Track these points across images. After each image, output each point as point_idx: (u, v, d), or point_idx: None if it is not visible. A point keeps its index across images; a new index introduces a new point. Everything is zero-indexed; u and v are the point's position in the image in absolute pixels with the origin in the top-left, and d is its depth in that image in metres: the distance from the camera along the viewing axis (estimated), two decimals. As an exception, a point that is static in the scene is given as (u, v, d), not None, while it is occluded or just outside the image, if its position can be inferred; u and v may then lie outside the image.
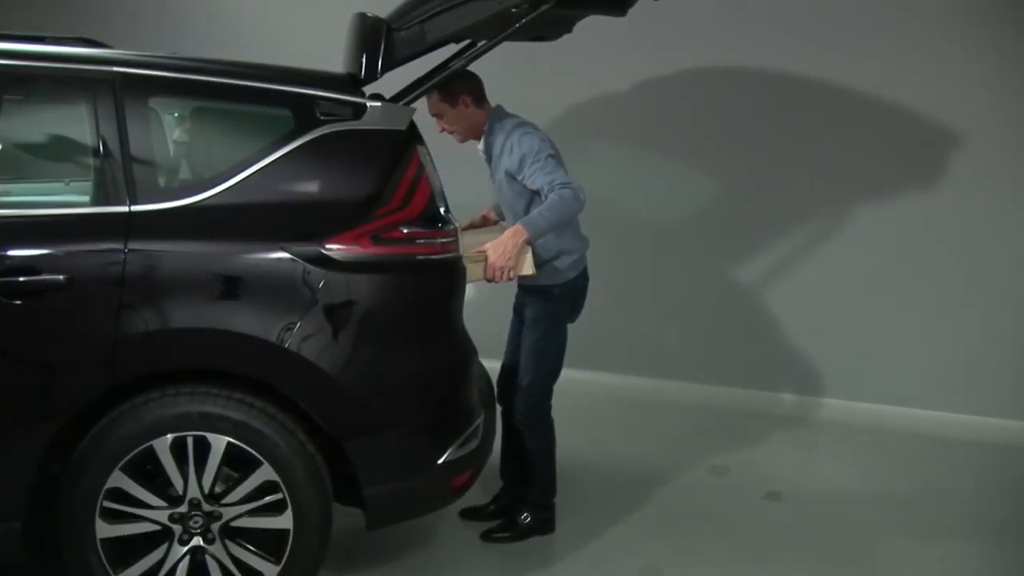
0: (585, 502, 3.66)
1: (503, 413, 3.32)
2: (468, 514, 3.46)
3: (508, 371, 3.38)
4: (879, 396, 4.68)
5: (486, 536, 3.33)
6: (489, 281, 2.94)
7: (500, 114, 3.23)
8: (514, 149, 3.08)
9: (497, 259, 2.88)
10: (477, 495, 3.36)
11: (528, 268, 2.94)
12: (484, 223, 3.57)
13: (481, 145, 3.26)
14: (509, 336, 3.44)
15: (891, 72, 4.47)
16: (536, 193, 3.07)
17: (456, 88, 3.14)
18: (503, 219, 3.46)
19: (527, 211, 3.11)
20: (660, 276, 5.09)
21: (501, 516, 3.42)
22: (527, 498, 3.37)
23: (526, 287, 3.22)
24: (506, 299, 3.39)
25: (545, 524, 3.37)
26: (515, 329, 3.38)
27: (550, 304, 3.21)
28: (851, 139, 4.61)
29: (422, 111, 2.78)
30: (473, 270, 2.84)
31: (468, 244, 2.95)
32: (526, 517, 3.34)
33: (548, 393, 3.28)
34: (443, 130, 3.24)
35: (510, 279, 2.95)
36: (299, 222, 2.57)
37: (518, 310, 3.36)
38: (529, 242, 2.94)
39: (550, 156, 3.04)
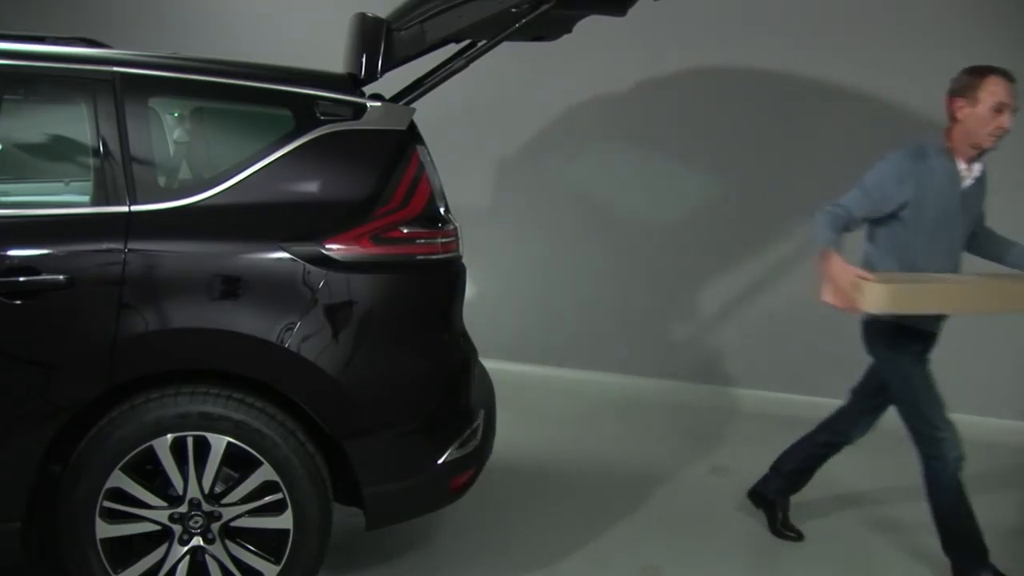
0: (585, 502, 3.66)
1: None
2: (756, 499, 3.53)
3: None
4: (879, 396, 4.67)
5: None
6: None
7: None
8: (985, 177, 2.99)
9: None
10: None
11: None
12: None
13: (978, 166, 3.01)
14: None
15: (894, 72, 4.47)
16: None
17: None
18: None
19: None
20: (660, 276, 5.09)
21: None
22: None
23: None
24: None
25: None
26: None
27: None
28: (854, 138, 4.59)
29: (422, 111, 2.77)
30: None
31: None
32: None
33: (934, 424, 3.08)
34: (1006, 129, 2.92)
35: None
36: (299, 222, 2.57)
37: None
38: None
39: None
